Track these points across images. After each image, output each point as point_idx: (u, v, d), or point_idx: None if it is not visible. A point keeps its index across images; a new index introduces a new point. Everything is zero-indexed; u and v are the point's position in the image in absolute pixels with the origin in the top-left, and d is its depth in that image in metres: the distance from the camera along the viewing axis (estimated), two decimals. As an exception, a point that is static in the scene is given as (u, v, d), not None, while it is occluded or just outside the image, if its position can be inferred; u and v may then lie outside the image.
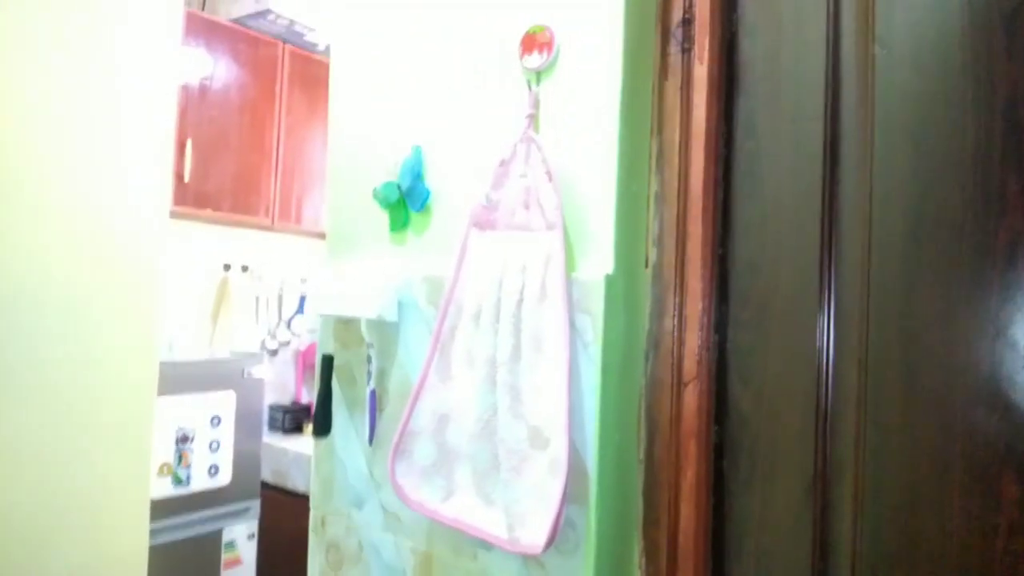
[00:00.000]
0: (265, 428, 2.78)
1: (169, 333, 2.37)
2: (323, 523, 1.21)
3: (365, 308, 1.12)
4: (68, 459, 1.38)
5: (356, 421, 1.17)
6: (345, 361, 1.20)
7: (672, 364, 1.02)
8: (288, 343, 3.17)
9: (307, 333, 3.23)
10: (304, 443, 2.83)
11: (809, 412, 0.93)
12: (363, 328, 1.14)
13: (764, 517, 0.97)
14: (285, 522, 2.63)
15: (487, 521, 0.99)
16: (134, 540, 1.52)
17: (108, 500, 1.46)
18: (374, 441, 1.14)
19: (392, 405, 1.14)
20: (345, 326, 1.20)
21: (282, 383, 3.14)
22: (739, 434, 1.01)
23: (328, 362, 1.18)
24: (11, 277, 1.29)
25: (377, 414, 1.14)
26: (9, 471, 1.30)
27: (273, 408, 2.98)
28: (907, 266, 0.88)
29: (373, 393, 1.13)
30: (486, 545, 1.02)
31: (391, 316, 1.12)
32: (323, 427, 1.16)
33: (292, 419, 3.01)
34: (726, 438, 1.02)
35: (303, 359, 3.18)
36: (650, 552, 1.01)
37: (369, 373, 1.14)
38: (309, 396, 3.24)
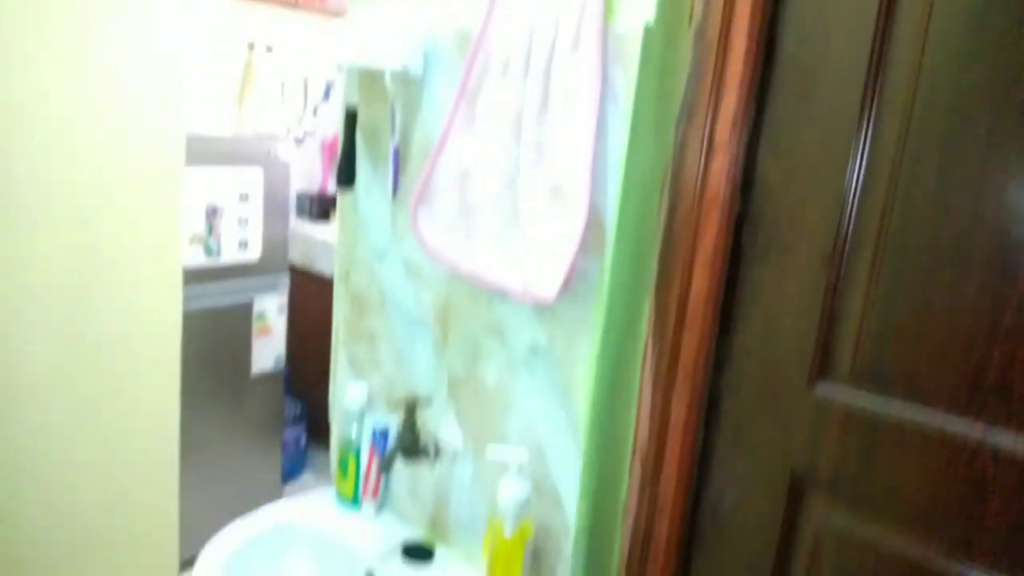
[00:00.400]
0: (293, 214, 2.83)
1: (196, 109, 2.34)
2: (348, 274, 1.26)
3: (390, 59, 1.08)
4: (100, 217, 1.42)
5: (379, 176, 1.17)
6: (369, 116, 1.18)
7: (705, 129, 0.99)
8: (314, 133, 3.14)
9: (333, 122, 3.19)
10: (331, 230, 2.89)
11: (838, 187, 0.91)
12: (387, 81, 1.11)
13: (776, 287, 0.99)
14: (313, 303, 2.75)
15: (503, 273, 1.02)
16: (168, 305, 1.59)
17: (142, 264, 1.51)
18: (397, 196, 1.15)
19: (415, 161, 1.13)
20: (369, 79, 1.17)
21: (308, 172, 3.15)
22: (763, 205, 1.00)
23: (352, 116, 1.17)
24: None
25: (400, 170, 1.14)
26: (44, 229, 1.33)
27: (300, 196, 3.01)
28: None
29: (397, 149, 1.12)
30: (501, 296, 1.06)
31: (416, 68, 1.09)
32: (347, 178, 1.17)
33: (319, 206, 3.05)
34: (750, 209, 1.01)
35: (329, 149, 3.17)
36: (660, 312, 1.04)
37: (393, 128, 1.12)
38: (335, 187, 3.26)
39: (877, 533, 0.91)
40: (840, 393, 0.94)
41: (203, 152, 2.06)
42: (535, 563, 1.08)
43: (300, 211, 2.99)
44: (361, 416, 1.24)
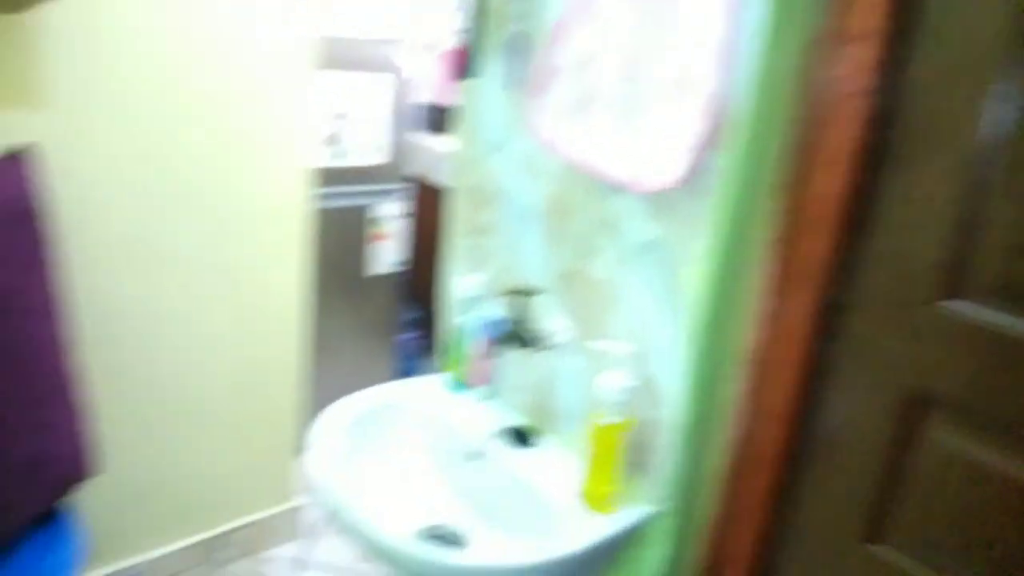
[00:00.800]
0: (414, 124, 2.87)
1: (331, 12, 2.39)
2: (465, 167, 1.28)
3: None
4: (232, 109, 1.49)
5: (500, 65, 1.17)
6: (495, 3, 1.17)
7: (847, 14, 0.92)
8: (435, 44, 3.15)
9: (459, 32, 3.18)
10: (447, 142, 2.93)
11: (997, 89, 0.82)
12: (512, -34, 1.09)
13: (914, 192, 0.92)
14: (427, 211, 2.82)
15: (620, 164, 1.00)
16: (295, 196, 1.67)
17: (274, 156, 1.59)
18: (514, 86, 1.14)
19: (535, 50, 1.12)
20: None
21: (431, 81, 3.18)
22: (908, 103, 0.92)
23: (479, 4, 1.16)
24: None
25: (520, 57, 1.13)
26: (183, 115, 1.42)
27: (421, 106, 3.05)
28: None
29: (518, 35, 1.11)
30: (616, 188, 1.05)
31: (542, -49, 1.06)
32: (470, 68, 1.17)
33: (437, 118, 3.08)
34: (893, 106, 0.93)
35: (451, 58, 3.17)
36: (785, 213, 0.99)
37: (514, 15, 1.11)
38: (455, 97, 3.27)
39: (1004, 460, 0.86)
40: (975, 310, 0.87)
41: (332, 55, 2.12)
42: (633, 456, 1.09)
43: (418, 122, 3.04)
44: (472, 305, 1.28)
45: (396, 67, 2.33)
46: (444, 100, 3.24)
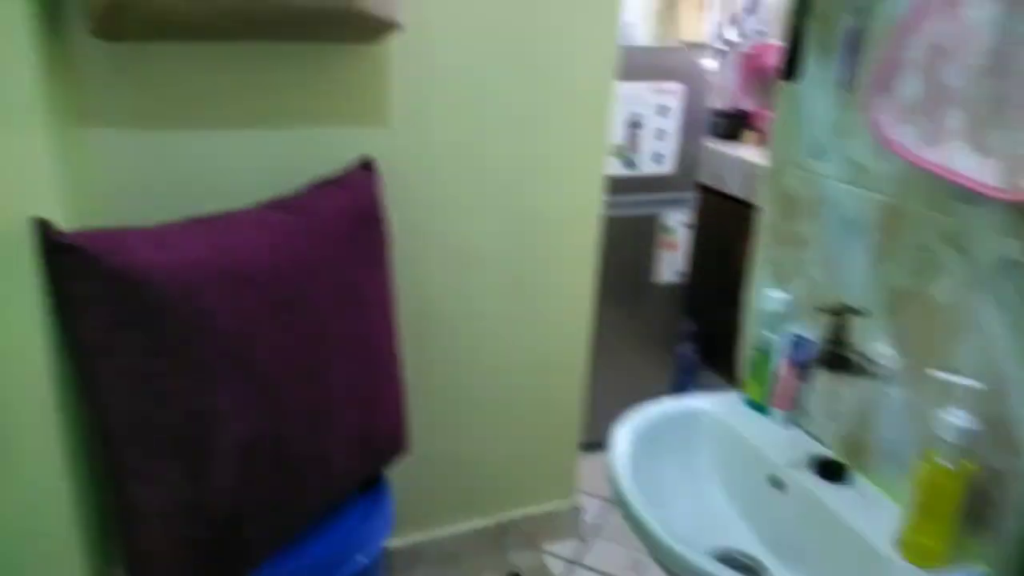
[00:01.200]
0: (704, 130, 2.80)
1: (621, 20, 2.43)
2: (779, 173, 1.20)
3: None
4: (539, 121, 1.57)
5: (828, 64, 1.08)
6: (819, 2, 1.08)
7: None
8: (736, 45, 3.04)
9: (755, 34, 3.05)
10: (741, 150, 2.81)
11: None
12: (849, -44, 1.00)
13: None
14: (717, 220, 2.73)
15: (979, 168, 0.87)
16: (589, 203, 1.71)
17: (571, 163, 1.65)
18: (847, 85, 1.05)
19: (874, 45, 1.01)
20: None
21: (724, 87, 3.08)
22: None
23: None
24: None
25: (856, 55, 1.03)
26: (496, 130, 1.53)
27: (713, 112, 2.97)
28: None
29: (853, 30, 1.01)
30: (968, 196, 0.91)
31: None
32: (792, 70, 1.10)
33: (731, 125, 2.98)
34: None
35: (748, 62, 3.04)
36: None
37: (850, 7, 1.01)
38: (750, 102, 3.14)
39: None
40: None
41: (629, 65, 2.14)
42: (971, 509, 0.94)
43: (711, 129, 2.95)
44: (779, 321, 1.20)
45: (688, 73, 2.28)
46: (740, 104, 3.12)
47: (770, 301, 1.21)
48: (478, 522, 1.88)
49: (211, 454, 1.05)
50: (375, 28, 1.21)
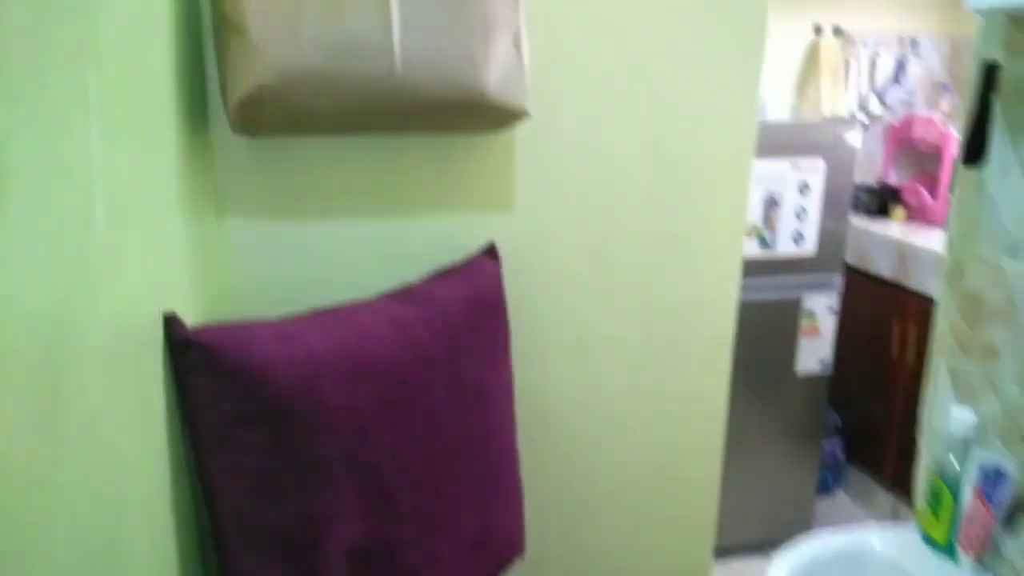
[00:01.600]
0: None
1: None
2: (960, 271, 1.04)
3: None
4: (670, 203, 1.49)
5: (1021, 149, 0.93)
6: (1016, 73, 0.94)
7: None
8: (879, 117, 2.85)
9: (901, 105, 2.85)
10: (889, 227, 2.59)
11: None
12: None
13: None
14: (865, 304, 2.50)
15: None
16: (725, 288, 1.59)
17: (706, 248, 1.54)
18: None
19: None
20: (1016, 27, 0.93)
21: (868, 161, 2.88)
22: None
23: (990, 72, 0.95)
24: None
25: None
26: (624, 213, 1.45)
27: (858, 188, 2.77)
28: None
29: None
30: None
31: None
32: (975, 153, 0.96)
33: (877, 201, 2.77)
34: None
35: (894, 135, 2.84)
36: None
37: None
38: (898, 177, 2.92)
39: None
40: None
41: (766, 142, 2.03)
42: None
43: (855, 205, 2.75)
44: (965, 447, 1.02)
45: (830, 148, 2.13)
46: (886, 179, 2.90)
47: (953, 422, 1.03)
48: (594, 634, 1.72)
49: (323, 559, 0.99)
50: (505, 118, 1.18)
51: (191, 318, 1.01)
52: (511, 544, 1.33)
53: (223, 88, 1.06)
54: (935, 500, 1.05)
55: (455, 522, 1.17)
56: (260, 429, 0.92)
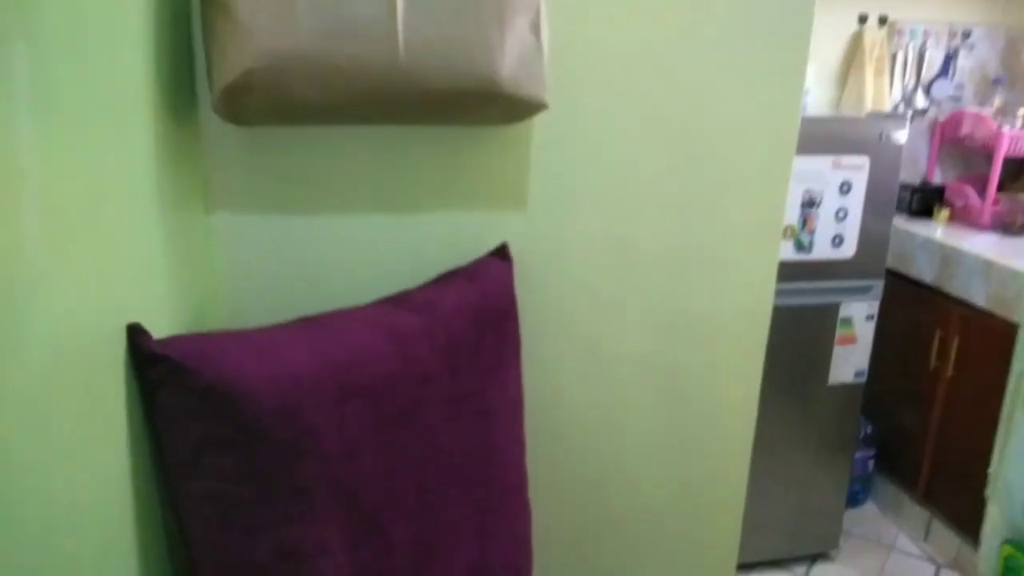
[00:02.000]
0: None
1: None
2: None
3: None
4: (701, 205, 1.37)
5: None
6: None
7: None
8: (924, 111, 2.69)
9: (949, 100, 2.68)
10: (932, 228, 2.44)
11: None
12: None
13: None
14: (903, 310, 2.36)
15: None
16: (758, 297, 1.48)
17: (739, 253, 1.43)
18: None
19: None
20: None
21: (912, 159, 2.72)
22: None
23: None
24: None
25: None
26: (650, 216, 1.34)
27: (900, 187, 2.62)
28: None
29: None
30: None
31: None
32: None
33: (921, 200, 2.61)
34: None
35: (941, 131, 2.67)
36: None
37: None
38: (943, 175, 2.76)
39: None
40: None
41: (806, 138, 1.90)
42: None
43: (897, 205, 2.60)
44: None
45: (874, 145, 1.99)
46: (931, 178, 2.74)
47: None
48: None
49: (304, 594, 0.90)
50: (520, 109, 1.07)
51: (169, 327, 0.92)
52: (516, 570, 1.24)
53: (209, 72, 0.97)
54: (1009, 568, 0.92)
55: (453, 551, 1.07)
56: (234, 454, 0.83)
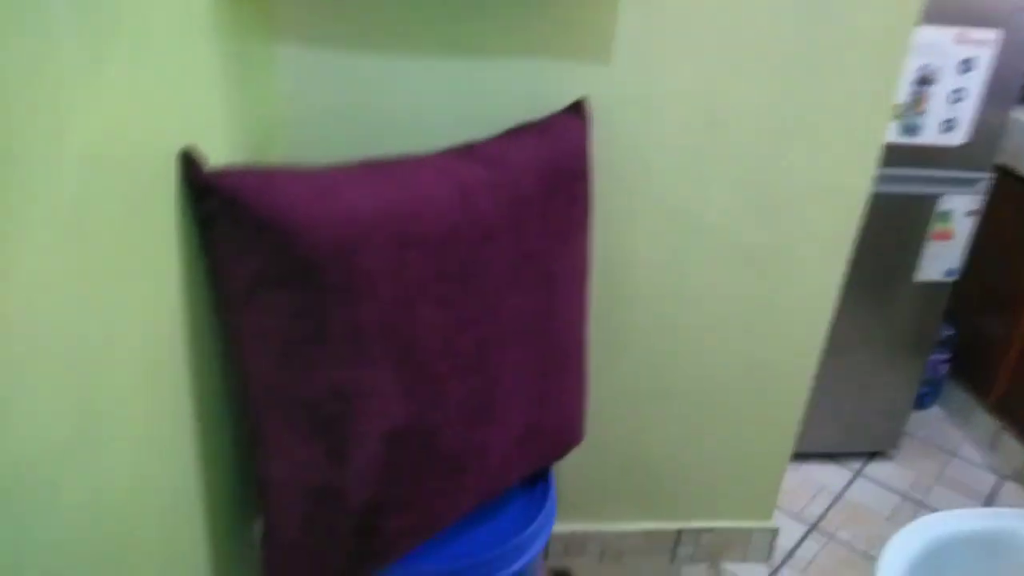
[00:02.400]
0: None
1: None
2: None
3: None
4: (807, 66, 1.23)
5: None
6: None
7: None
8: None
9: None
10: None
11: None
12: None
13: None
14: (1009, 211, 2.17)
15: None
16: (857, 176, 1.36)
17: (842, 128, 1.29)
18: None
19: None
20: None
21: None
22: None
23: None
24: None
25: None
26: (746, 79, 1.22)
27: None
28: None
29: None
30: None
31: None
32: None
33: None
34: None
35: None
36: None
37: None
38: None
39: None
40: None
41: (928, 2, 1.67)
42: None
43: (1021, 93, 2.33)
44: None
45: (1007, 18, 1.74)
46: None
47: None
48: (650, 524, 1.66)
49: (355, 438, 0.90)
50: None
51: (225, 158, 0.89)
52: (568, 433, 1.23)
53: None
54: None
55: (506, 413, 1.06)
56: (289, 292, 0.81)
